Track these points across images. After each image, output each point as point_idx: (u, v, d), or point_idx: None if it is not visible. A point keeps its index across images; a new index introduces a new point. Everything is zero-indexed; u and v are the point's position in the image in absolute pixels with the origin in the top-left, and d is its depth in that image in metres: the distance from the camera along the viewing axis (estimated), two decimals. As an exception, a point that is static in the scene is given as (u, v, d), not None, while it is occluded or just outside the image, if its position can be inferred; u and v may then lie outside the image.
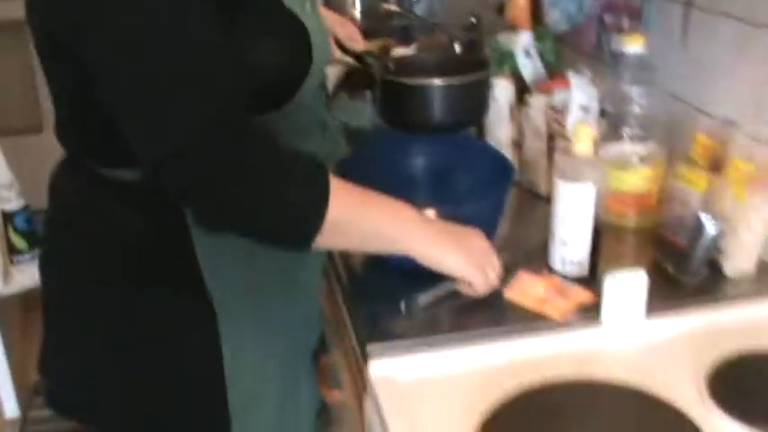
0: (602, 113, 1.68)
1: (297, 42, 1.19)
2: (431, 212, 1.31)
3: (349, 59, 1.69)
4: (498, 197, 1.42)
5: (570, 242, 1.38)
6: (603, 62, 1.86)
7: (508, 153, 1.74)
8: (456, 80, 1.49)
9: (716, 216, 1.38)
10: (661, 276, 1.40)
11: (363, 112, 1.75)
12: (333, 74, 1.80)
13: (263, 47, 1.12)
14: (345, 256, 1.51)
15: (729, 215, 1.39)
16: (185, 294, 1.19)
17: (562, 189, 1.36)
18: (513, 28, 1.95)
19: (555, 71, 1.82)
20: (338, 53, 1.68)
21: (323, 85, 1.43)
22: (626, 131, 1.57)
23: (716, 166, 1.48)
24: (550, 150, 1.67)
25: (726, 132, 1.51)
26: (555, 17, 1.83)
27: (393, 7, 2.31)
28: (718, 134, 1.52)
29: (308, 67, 1.19)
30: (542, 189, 1.69)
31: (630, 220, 1.57)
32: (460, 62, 1.63)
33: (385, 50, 1.78)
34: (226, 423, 1.24)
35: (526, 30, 1.90)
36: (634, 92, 1.55)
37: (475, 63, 1.63)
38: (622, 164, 1.57)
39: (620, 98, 1.58)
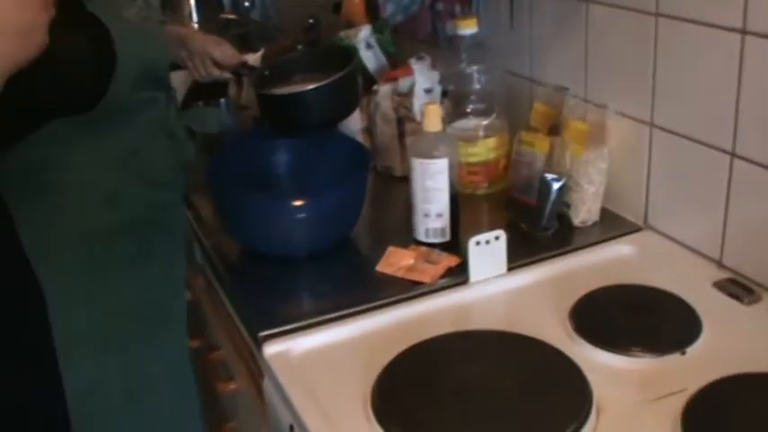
0: (445, 94, 1.84)
1: (96, 44, 1.28)
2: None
3: (228, 75, 1.80)
4: (359, 183, 1.56)
5: (431, 213, 1.53)
6: (440, 47, 2.04)
7: (360, 138, 1.88)
8: (331, 79, 1.60)
9: (559, 173, 1.56)
10: (517, 234, 1.56)
11: (213, 119, 1.85)
12: (181, 86, 1.91)
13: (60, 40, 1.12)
14: (220, 251, 1.62)
15: (571, 171, 1.57)
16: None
17: (418, 166, 1.51)
18: (350, 25, 2.10)
19: (396, 60, 1.97)
20: (217, 71, 1.79)
21: (170, 98, 1.54)
22: (469, 108, 1.73)
23: (555, 129, 1.66)
24: (401, 134, 1.82)
25: (559, 98, 1.69)
26: (390, 10, 1.99)
27: (230, 15, 2.42)
28: (552, 101, 1.70)
29: (109, 70, 1.28)
30: (397, 171, 1.85)
31: (482, 187, 1.74)
32: (329, 55, 1.75)
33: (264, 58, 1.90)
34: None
35: (365, 25, 2.06)
36: (473, 71, 1.71)
37: (343, 54, 1.74)
38: (469, 137, 1.74)
39: (461, 78, 1.74)
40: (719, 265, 1.45)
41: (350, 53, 1.68)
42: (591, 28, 1.61)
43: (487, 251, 1.43)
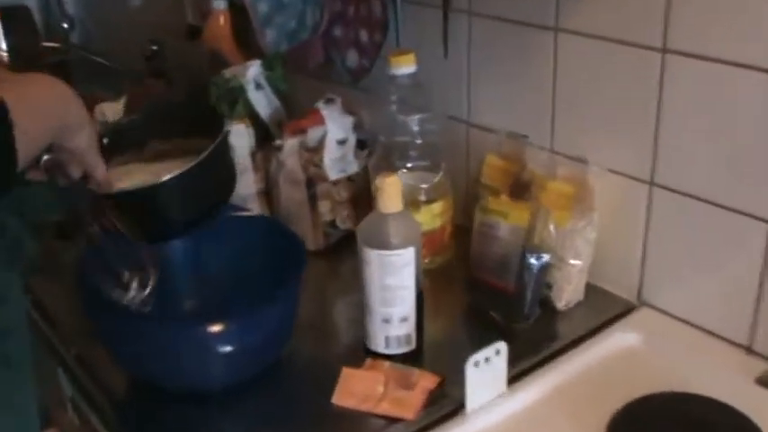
0: (363, 144, 1.51)
1: None
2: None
3: None
4: (294, 292, 1.20)
5: (393, 318, 1.20)
6: (336, 79, 1.70)
7: (255, 206, 1.52)
8: (191, 164, 1.12)
9: (540, 250, 1.27)
10: (487, 326, 1.29)
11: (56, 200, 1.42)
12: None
13: None
14: (97, 376, 1.23)
15: (554, 244, 1.28)
16: None
17: (375, 259, 1.18)
18: (216, 54, 1.72)
19: (289, 100, 1.61)
20: None
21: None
22: (408, 164, 1.41)
23: (521, 190, 1.37)
24: (312, 198, 1.48)
25: (516, 148, 1.40)
26: (270, 37, 1.62)
27: (49, 43, 1.97)
28: (508, 152, 1.41)
29: None
30: (310, 244, 1.50)
31: (424, 263, 1.42)
32: (184, 113, 1.33)
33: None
34: None
35: (237, 56, 1.69)
36: (409, 119, 1.39)
37: (203, 112, 1.34)
38: (407, 202, 1.41)
39: (392, 126, 1.41)
40: (748, 350, 1.22)
41: (216, 114, 1.30)
42: (561, 62, 1.32)
43: (486, 370, 1.12)
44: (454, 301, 1.38)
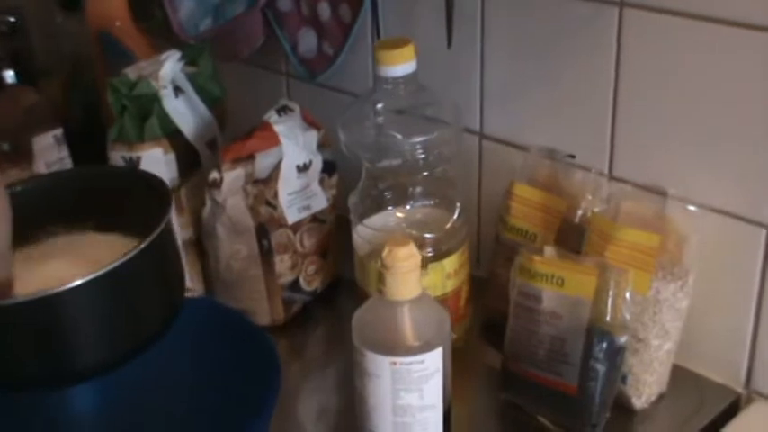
0: (329, 169, 1.19)
1: None
2: None
3: None
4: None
5: (413, 448, 0.90)
6: (283, 71, 1.37)
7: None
8: (128, 256, 0.78)
9: (611, 327, 0.97)
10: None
11: None
12: None
13: None
14: None
15: (630, 321, 0.98)
16: None
17: (385, 371, 0.88)
18: (105, 32, 1.38)
19: (221, 110, 1.27)
20: None
21: None
22: (409, 204, 1.09)
23: (567, 235, 1.07)
24: (266, 253, 1.15)
25: (557, 173, 1.10)
26: (186, 11, 1.28)
27: None
28: (544, 178, 1.11)
29: None
30: (263, 317, 1.19)
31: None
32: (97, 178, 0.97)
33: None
34: None
35: (139, 43, 1.35)
36: (408, 139, 1.06)
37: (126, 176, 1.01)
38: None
39: (381, 146, 1.09)
40: None
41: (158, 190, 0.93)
42: (627, 49, 1.06)
43: None
44: (483, 399, 1.09)
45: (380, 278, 0.88)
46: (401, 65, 1.05)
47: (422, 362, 0.88)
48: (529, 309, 1.02)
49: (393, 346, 0.88)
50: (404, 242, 0.87)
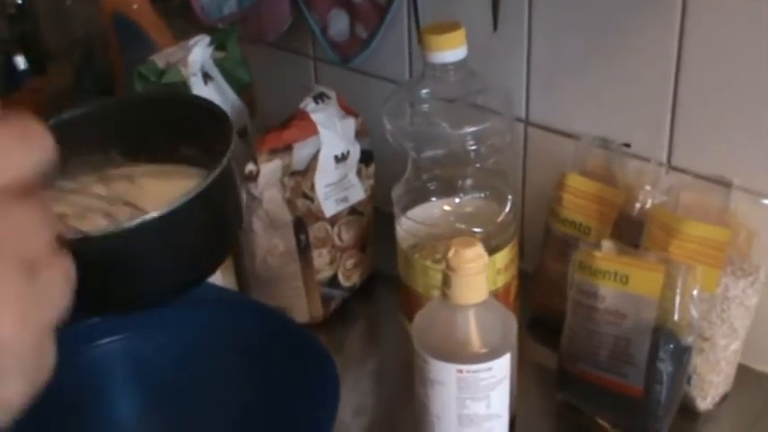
0: (366, 158, 1.14)
1: None
2: None
3: None
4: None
5: (478, 460, 0.85)
6: (312, 54, 1.31)
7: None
8: (180, 201, 0.74)
9: (677, 328, 0.92)
10: None
11: None
12: None
13: None
14: None
15: (697, 320, 0.93)
16: None
17: (451, 378, 0.82)
18: (116, 17, 1.31)
19: (250, 97, 1.21)
20: None
21: None
22: (457, 198, 1.04)
23: (626, 229, 1.02)
24: (304, 248, 1.10)
25: (612, 163, 1.05)
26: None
27: None
28: (597, 168, 1.06)
29: None
30: (300, 314, 1.13)
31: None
32: (138, 112, 0.91)
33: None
34: None
35: (157, 27, 1.29)
36: (456, 130, 1.01)
37: (168, 109, 0.92)
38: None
39: (428, 137, 1.03)
40: None
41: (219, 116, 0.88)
42: (692, 27, 0.99)
43: None
44: (536, 399, 1.04)
45: (445, 281, 0.83)
46: (451, 50, 0.99)
47: (489, 369, 0.83)
48: (589, 307, 0.97)
49: (459, 353, 0.83)
50: (471, 242, 0.82)
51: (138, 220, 0.72)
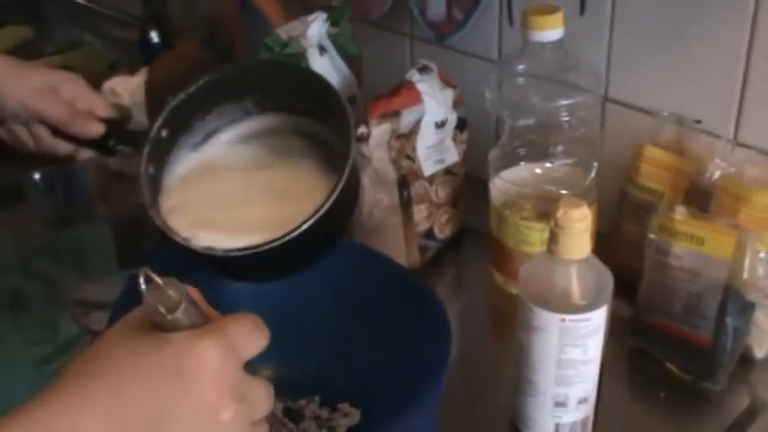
0: (461, 125, 1.08)
1: None
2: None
3: (84, 154, 0.92)
4: (434, 397, 0.78)
5: (570, 400, 0.82)
6: (409, 32, 1.25)
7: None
8: (326, 206, 0.73)
9: (744, 286, 0.87)
10: (661, 381, 0.93)
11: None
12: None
13: None
14: None
15: (762, 279, 0.88)
16: None
17: (554, 326, 0.77)
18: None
19: (358, 68, 1.15)
20: (49, 140, 0.90)
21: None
22: (549, 162, 0.99)
23: (696, 196, 0.96)
24: (406, 203, 1.05)
25: (683, 137, 0.99)
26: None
27: None
28: (669, 142, 1.00)
29: None
30: (400, 262, 1.07)
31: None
32: (260, 73, 0.86)
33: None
34: None
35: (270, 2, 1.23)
36: (551, 103, 0.95)
37: (289, 74, 0.86)
38: (539, 214, 0.99)
39: (523, 106, 0.98)
40: None
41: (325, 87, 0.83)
42: (764, 8, 0.93)
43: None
44: (611, 344, 0.96)
45: (552, 237, 0.77)
46: (550, 30, 0.94)
47: (588, 319, 0.78)
48: (666, 265, 0.92)
49: (562, 304, 0.78)
50: (577, 204, 0.76)
51: (286, 239, 0.72)
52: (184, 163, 0.84)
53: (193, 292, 0.55)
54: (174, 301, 0.52)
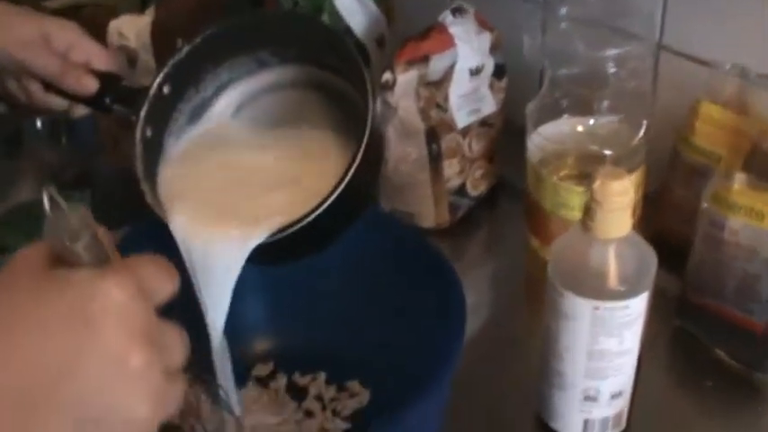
0: (501, 71, 0.96)
1: None
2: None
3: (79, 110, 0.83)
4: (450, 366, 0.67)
5: (602, 395, 0.71)
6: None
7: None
8: (346, 180, 0.63)
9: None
10: (710, 368, 0.82)
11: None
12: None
13: None
14: None
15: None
16: None
17: (586, 314, 0.66)
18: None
19: (388, 6, 1.03)
20: (41, 95, 0.81)
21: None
22: (592, 119, 0.86)
23: (758, 162, 0.83)
24: (435, 157, 0.94)
25: (746, 93, 0.85)
26: None
27: None
28: (730, 98, 0.86)
29: None
30: (426, 220, 0.98)
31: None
32: (276, 22, 0.76)
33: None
34: None
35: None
36: (597, 51, 0.82)
37: (307, 27, 0.75)
38: (580, 174, 0.88)
39: (565, 55, 0.85)
40: None
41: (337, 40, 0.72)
42: None
43: None
44: (653, 321, 0.85)
45: (588, 212, 0.66)
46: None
47: (626, 307, 0.67)
48: (720, 240, 0.80)
49: (596, 289, 0.67)
50: (618, 175, 0.64)
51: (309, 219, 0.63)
52: (189, 132, 0.74)
53: (103, 234, 0.47)
54: (76, 230, 0.45)
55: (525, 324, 0.90)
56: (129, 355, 0.44)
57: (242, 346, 0.77)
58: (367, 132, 0.64)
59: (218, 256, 0.64)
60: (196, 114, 0.75)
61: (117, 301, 0.44)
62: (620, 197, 0.64)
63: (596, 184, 0.64)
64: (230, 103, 0.76)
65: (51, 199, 0.45)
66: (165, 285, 0.48)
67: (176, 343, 0.49)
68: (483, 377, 0.80)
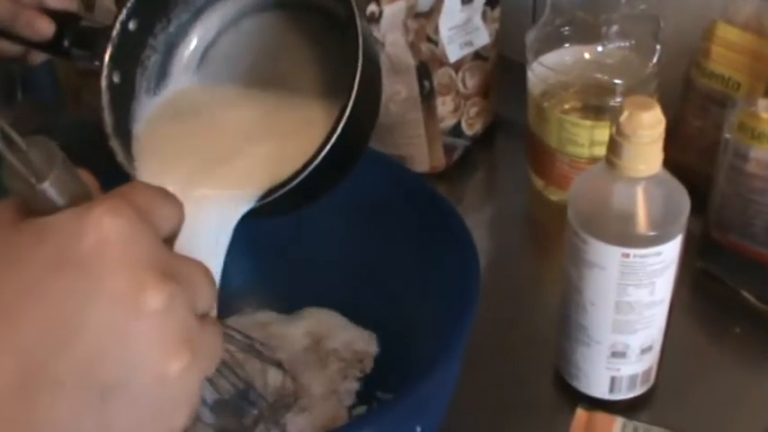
0: (492, 1, 0.86)
1: None
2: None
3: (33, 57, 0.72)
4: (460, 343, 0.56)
5: (631, 350, 0.61)
6: None
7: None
8: (342, 123, 0.53)
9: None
10: (734, 310, 0.73)
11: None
12: None
13: None
14: None
15: None
16: None
17: (613, 262, 0.57)
18: None
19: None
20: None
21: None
22: (601, 46, 0.76)
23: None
24: (427, 95, 0.83)
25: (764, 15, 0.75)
26: None
27: None
28: (747, 19, 0.76)
29: None
30: (420, 164, 0.88)
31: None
32: None
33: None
34: None
35: None
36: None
37: None
38: (587, 107, 0.78)
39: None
40: None
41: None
42: None
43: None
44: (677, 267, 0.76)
45: (613, 147, 0.55)
46: None
47: (658, 254, 0.57)
48: (747, 174, 0.70)
49: (625, 234, 0.57)
50: (648, 105, 0.54)
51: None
52: (167, 76, 0.63)
53: (86, 176, 0.37)
54: (41, 167, 0.35)
55: (532, 272, 0.80)
56: (143, 294, 0.33)
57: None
58: (360, 56, 0.53)
59: (210, 222, 0.54)
60: (171, 50, 0.64)
61: (113, 231, 0.33)
62: (650, 130, 0.54)
63: (624, 116, 0.54)
64: (209, 29, 0.64)
65: (5, 138, 0.35)
66: (170, 211, 0.37)
67: (200, 278, 0.37)
68: (491, 334, 0.70)
